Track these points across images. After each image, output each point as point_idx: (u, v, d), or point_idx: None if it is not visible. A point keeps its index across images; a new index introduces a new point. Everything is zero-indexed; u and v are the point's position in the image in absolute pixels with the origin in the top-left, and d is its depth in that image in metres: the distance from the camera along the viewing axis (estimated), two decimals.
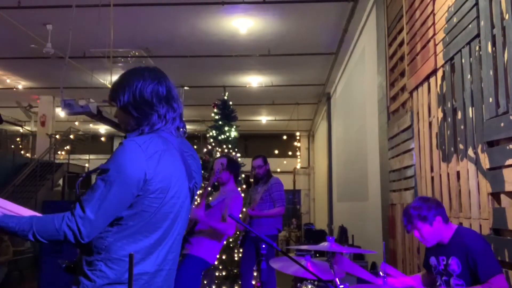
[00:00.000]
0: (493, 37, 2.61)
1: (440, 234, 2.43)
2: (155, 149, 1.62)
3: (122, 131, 1.81)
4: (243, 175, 6.62)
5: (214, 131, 6.69)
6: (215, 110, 6.89)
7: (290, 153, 17.12)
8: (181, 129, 1.82)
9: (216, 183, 4.19)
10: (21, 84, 11.25)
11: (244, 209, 5.65)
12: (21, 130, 15.82)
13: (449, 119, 3.28)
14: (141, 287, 1.59)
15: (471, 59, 2.92)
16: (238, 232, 5.76)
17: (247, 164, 6.13)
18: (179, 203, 1.70)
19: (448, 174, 3.30)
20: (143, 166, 1.57)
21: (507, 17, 2.44)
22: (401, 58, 4.50)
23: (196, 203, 3.78)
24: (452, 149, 3.22)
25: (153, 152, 1.61)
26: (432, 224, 2.41)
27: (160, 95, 1.74)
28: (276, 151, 16.80)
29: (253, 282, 5.28)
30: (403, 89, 4.48)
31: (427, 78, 3.73)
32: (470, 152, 2.91)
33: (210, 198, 4.26)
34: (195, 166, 1.83)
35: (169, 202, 1.65)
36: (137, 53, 8.39)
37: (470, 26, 2.90)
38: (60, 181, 13.16)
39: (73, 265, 1.71)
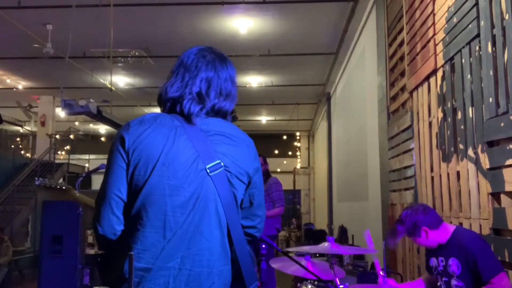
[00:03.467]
0: (493, 37, 2.61)
1: (433, 239, 2.46)
2: None
3: None
4: None
5: None
6: None
7: (290, 153, 17.12)
8: None
9: None
10: (21, 84, 11.25)
11: None
12: (21, 130, 15.81)
13: (449, 119, 3.28)
14: None
15: (471, 59, 2.92)
16: None
17: None
18: None
19: (448, 174, 3.30)
20: None
21: (507, 17, 2.44)
22: (401, 58, 4.50)
23: None
24: (452, 149, 3.22)
25: None
26: (420, 236, 2.47)
27: None
28: (276, 151, 16.80)
29: None
30: (403, 89, 4.48)
31: (427, 78, 3.73)
32: (470, 152, 2.91)
33: None
34: None
35: None
36: (137, 53, 8.39)
37: (470, 26, 2.90)
38: (60, 181, 13.14)
39: None
